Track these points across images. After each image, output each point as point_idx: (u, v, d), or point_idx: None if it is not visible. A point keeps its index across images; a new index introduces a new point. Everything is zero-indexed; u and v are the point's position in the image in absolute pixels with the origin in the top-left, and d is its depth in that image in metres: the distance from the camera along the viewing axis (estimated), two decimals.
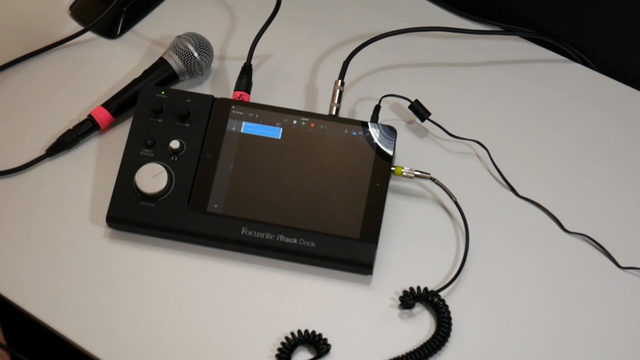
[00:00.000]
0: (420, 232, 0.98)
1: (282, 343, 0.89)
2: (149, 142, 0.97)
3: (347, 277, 0.94)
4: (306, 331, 0.90)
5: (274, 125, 0.98)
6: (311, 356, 0.89)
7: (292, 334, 0.90)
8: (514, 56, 1.13)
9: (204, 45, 1.07)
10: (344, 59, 1.05)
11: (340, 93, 1.03)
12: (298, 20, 1.15)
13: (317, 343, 0.89)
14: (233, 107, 0.99)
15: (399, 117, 1.07)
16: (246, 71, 1.06)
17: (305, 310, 0.92)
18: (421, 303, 0.93)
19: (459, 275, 0.94)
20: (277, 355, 0.89)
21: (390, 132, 0.98)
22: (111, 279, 0.94)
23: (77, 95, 1.07)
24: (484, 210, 0.99)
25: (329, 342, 0.90)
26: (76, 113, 1.05)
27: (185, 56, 1.06)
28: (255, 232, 0.93)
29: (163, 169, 0.96)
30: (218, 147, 0.97)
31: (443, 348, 0.90)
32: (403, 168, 0.97)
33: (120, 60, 1.11)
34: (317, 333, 0.90)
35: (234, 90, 1.04)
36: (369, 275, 0.94)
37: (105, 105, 1.04)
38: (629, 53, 1.12)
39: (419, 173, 0.98)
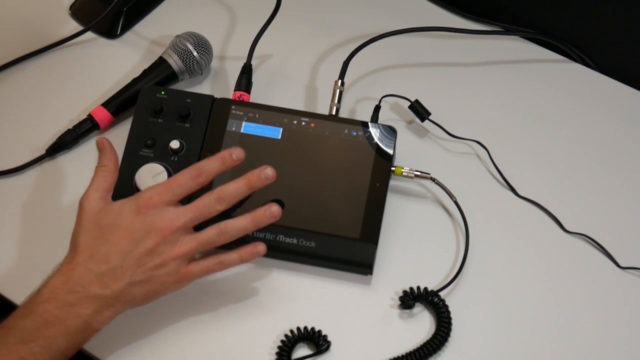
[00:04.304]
0: (420, 232, 0.98)
1: (282, 341, 0.89)
2: (149, 142, 0.97)
3: (347, 277, 0.94)
4: (305, 327, 0.90)
5: (274, 125, 0.98)
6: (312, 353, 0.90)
7: (292, 331, 0.90)
8: (514, 56, 1.13)
9: (203, 44, 1.07)
10: (344, 59, 1.05)
11: (340, 93, 1.03)
12: (298, 20, 1.15)
13: (317, 340, 0.89)
14: (233, 107, 0.99)
15: (399, 117, 1.07)
16: (246, 71, 1.06)
17: (305, 311, 0.92)
18: (421, 303, 0.93)
19: (459, 275, 0.94)
20: (277, 353, 0.89)
21: (390, 132, 0.98)
22: None
23: (77, 95, 1.07)
24: (484, 210, 0.99)
25: (328, 339, 0.89)
26: (76, 113, 1.05)
27: (185, 55, 1.06)
28: (255, 232, 0.93)
29: (163, 169, 0.95)
30: (218, 147, 0.97)
31: (443, 348, 0.90)
32: (403, 168, 0.97)
33: (120, 60, 1.11)
34: (317, 330, 0.90)
35: (234, 90, 1.04)
36: (369, 275, 0.94)
37: (105, 104, 1.04)
38: (629, 53, 1.12)
39: (419, 173, 0.98)
